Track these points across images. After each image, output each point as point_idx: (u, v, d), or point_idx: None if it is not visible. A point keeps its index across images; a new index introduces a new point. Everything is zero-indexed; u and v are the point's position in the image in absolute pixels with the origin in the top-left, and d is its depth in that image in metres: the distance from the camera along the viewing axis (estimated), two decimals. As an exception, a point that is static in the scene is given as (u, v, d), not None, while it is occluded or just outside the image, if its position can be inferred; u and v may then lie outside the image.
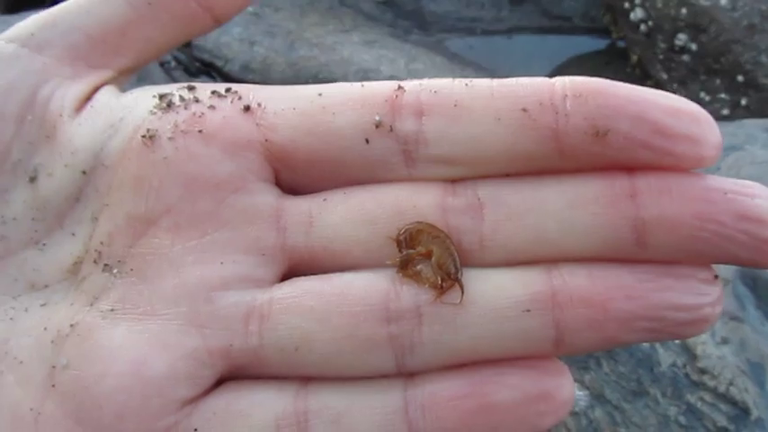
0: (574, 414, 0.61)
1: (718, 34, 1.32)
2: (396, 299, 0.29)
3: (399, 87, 0.31)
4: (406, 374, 0.29)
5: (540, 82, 0.29)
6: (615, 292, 0.28)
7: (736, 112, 1.28)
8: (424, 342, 0.29)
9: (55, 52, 0.32)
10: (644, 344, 0.64)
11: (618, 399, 0.61)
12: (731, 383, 0.61)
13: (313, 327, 0.29)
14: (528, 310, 0.28)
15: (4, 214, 0.31)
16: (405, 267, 0.30)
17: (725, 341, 0.64)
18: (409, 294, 0.29)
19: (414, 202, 0.30)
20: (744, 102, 1.29)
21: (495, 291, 0.29)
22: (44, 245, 0.31)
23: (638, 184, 0.28)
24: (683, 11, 1.33)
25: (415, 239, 0.30)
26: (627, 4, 1.41)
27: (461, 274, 0.29)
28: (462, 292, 0.29)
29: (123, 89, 0.34)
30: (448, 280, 0.29)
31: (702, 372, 0.62)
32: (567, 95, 0.29)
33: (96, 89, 0.33)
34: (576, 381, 0.64)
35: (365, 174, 0.31)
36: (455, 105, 0.30)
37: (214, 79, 1.30)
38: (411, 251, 0.30)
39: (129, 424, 0.29)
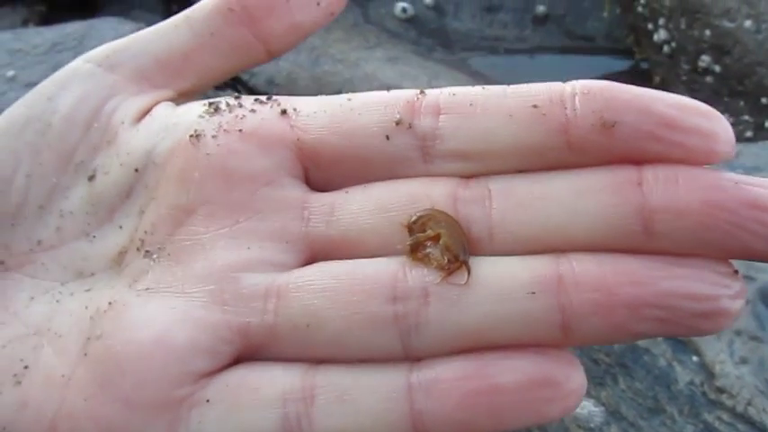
0: (589, 430, 0.61)
1: (741, 56, 1.32)
2: (403, 279, 0.30)
3: (421, 92, 0.33)
4: (414, 358, 0.30)
5: (552, 84, 0.31)
6: (622, 276, 0.28)
7: (760, 134, 1.27)
8: (429, 321, 0.30)
9: (124, 72, 0.36)
10: (661, 361, 0.64)
11: (634, 416, 0.61)
12: (749, 403, 0.60)
13: (324, 304, 0.30)
14: (533, 293, 0.29)
15: (63, 208, 0.35)
16: (414, 251, 0.31)
17: (744, 361, 0.63)
18: (417, 276, 0.30)
19: (427, 192, 0.32)
20: (767, 124, 1.28)
21: (501, 274, 0.30)
22: (94, 237, 0.34)
23: (645, 174, 0.29)
24: (707, 32, 1.33)
25: (425, 225, 0.31)
26: (650, 26, 1.41)
27: (468, 257, 0.30)
28: (469, 274, 0.30)
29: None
30: (455, 261, 0.30)
31: (720, 391, 0.61)
32: (576, 93, 0.30)
33: (156, 104, 0.36)
34: (591, 397, 0.63)
35: (386, 169, 0.33)
36: (470, 105, 0.32)
37: (239, 92, 1.32)
38: (420, 234, 0.31)
39: (148, 391, 0.30)
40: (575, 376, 0.29)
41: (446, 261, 0.30)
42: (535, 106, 0.30)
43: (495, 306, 0.29)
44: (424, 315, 0.30)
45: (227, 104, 0.35)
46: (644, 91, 0.29)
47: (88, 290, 0.33)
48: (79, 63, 0.37)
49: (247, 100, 0.35)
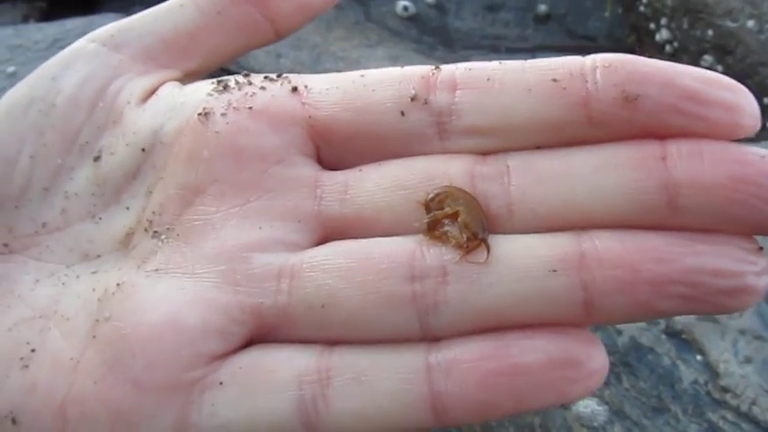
0: (592, 429, 0.61)
1: (744, 56, 1.31)
2: (421, 258, 0.30)
3: (436, 67, 0.32)
4: (432, 339, 0.30)
5: (571, 58, 0.30)
6: (646, 253, 0.28)
7: (762, 134, 1.27)
8: (448, 301, 0.29)
9: (130, 52, 0.36)
10: (665, 360, 0.64)
11: (638, 415, 0.61)
12: (754, 403, 0.60)
13: (339, 284, 0.30)
14: (554, 270, 0.28)
15: (68, 190, 0.34)
16: (432, 229, 0.30)
17: (748, 360, 0.63)
18: (435, 254, 0.30)
19: (444, 169, 0.31)
20: (769, 124, 1.28)
21: (521, 252, 0.29)
22: (100, 218, 0.34)
23: (668, 148, 0.28)
24: (709, 32, 1.33)
25: (443, 203, 0.30)
26: (652, 25, 1.41)
27: (487, 234, 0.29)
28: (488, 252, 0.29)
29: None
30: (474, 239, 0.29)
31: (725, 390, 0.61)
32: (597, 66, 0.30)
33: (162, 84, 0.36)
34: (594, 396, 0.63)
35: (400, 147, 0.32)
36: (488, 79, 0.31)
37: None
38: (438, 212, 0.30)
39: (159, 374, 0.30)
40: (596, 355, 0.28)
41: (465, 239, 0.29)
42: (555, 80, 0.30)
43: (516, 285, 0.28)
44: (442, 294, 0.29)
45: (237, 82, 0.34)
46: (666, 64, 0.29)
47: (95, 272, 0.33)
48: (83, 43, 0.36)
49: (257, 78, 0.35)
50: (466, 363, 0.28)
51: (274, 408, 0.29)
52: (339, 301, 0.30)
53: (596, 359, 0.28)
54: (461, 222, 0.29)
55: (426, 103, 0.31)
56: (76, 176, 0.34)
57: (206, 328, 0.30)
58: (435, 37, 1.55)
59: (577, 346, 0.28)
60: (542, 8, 1.56)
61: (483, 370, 0.28)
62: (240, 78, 0.35)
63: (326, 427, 0.29)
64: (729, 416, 0.60)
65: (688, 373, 0.62)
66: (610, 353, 0.65)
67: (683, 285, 0.27)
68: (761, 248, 0.28)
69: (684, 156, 0.28)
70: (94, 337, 0.31)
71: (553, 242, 0.29)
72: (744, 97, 0.28)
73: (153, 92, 0.35)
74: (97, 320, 0.31)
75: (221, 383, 0.30)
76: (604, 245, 0.28)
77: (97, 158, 0.34)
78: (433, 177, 0.31)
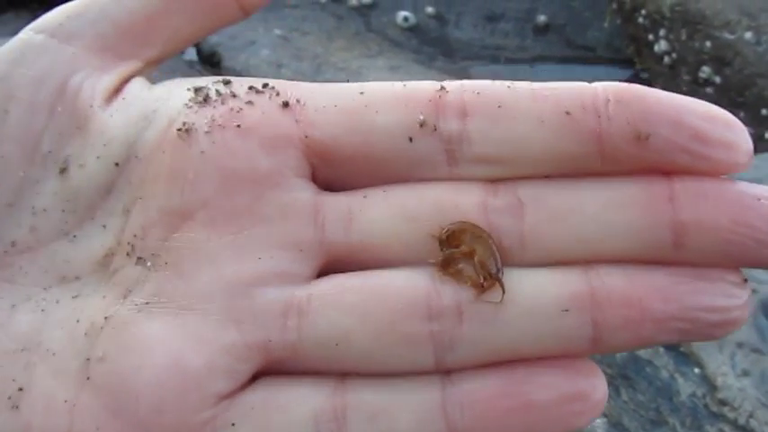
0: (591, 441, 0.61)
1: (742, 68, 1.32)
2: (437, 296, 0.29)
3: (442, 88, 0.31)
4: (444, 371, 0.30)
5: (582, 86, 0.30)
6: (653, 293, 0.29)
7: (761, 146, 1.27)
8: (464, 340, 0.29)
9: (84, 42, 0.32)
10: (663, 373, 0.64)
11: (636, 427, 0.61)
12: (751, 416, 0.61)
13: (353, 322, 0.29)
14: (567, 310, 0.29)
15: (35, 205, 0.31)
16: (447, 266, 0.30)
17: (745, 373, 0.63)
18: (450, 292, 0.29)
19: (455, 200, 0.30)
20: (767, 135, 1.29)
21: (534, 290, 0.29)
22: (75, 236, 0.31)
23: (675, 188, 0.29)
24: (708, 44, 1.34)
25: (457, 239, 0.30)
26: (651, 36, 1.42)
27: (503, 274, 0.29)
28: (503, 292, 0.29)
29: (152, 81, 0.34)
30: (489, 279, 0.29)
31: (722, 403, 0.62)
32: (609, 100, 0.29)
33: (126, 81, 0.33)
34: (594, 408, 0.63)
35: (407, 172, 0.31)
36: (499, 107, 0.30)
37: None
38: (455, 250, 0.30)
39: (167, 417, 0.29)
40: (599, 386, 0.29)
41: (481, 279, 0.29)
42: (567, 113, 0.29)
43: (530, 324, 0.29)
44: (458, 333, 0.29)
45: (218, 93, 0.32)
46: (674, 99, 0.29)
47: (75, 296, 0.31)
48: (30, 34, 0.32)
49: (240, 87, 0.32)
50: (483, 400, 0.29)
51: None
52: (354, 340, 0.29)
53: (600, 390, 0.29)
54: (477, 262, 0.29)
55: (436, 129, 0.30)
56: (43, 190, 0.31)
57: (212, 369, 0.29)
58: (435, 47, 1.55)
59: (584, 379, 0.29)
60: (542, 19, 1.57)
61: (500, 407, 0.29)
62: (221, 87, 0.32)
63: None
64: (727, 429, 0.60)
65: (686, 386, 0.63)
66: (608, 366, 0.66)
67: (681, 321, 0.28)
68: (745, 280, 0.29)
69: (690, 197, 0.28)
70: (89, 378, 0.29)
71: (564, 279, 0.29)
72: (742, 135, 0.28)
73: (117, 90, 0.32)
74: (88, 359, 0.29)
75: (233, 425, 0.29)
76: (612, 282, 0.29)
77: (64, 170, 0.31)
78: (444, 208, 0.30)
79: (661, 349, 0.66)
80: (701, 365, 0.64)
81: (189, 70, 1.34)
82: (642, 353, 0.66)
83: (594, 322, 0.29)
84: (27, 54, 0.32)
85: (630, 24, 1.48)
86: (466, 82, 0.31)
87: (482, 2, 1.61)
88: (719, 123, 0.29)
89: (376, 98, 0.31)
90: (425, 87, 0.31)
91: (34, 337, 0.30)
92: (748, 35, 1.29)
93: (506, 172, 0.31)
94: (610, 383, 0.64)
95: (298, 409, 0.29)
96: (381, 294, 0.29)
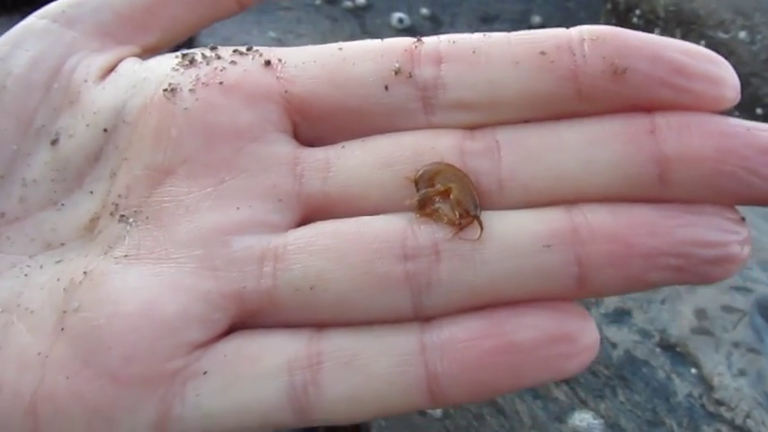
0: (588, 442, 0.61)
1: (736, 67, 1.32)
2: (413, 237, 0.29)
3: (418, 39, 0.31)
4: (423, 318, 0.29)
5: (557, 30, 0.30)
6: (639, 227, 0.28)
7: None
8: (441, 279, 0.28)
9: (84, 28, 0.33)
10: (660, 373, 0.64)
11: (633, 428, 0.61)
12: (748, 416, 0.61)
13: (328, 265, 0.29)
14: (548, 246, 0.28)
15: (26, 177, 0.32)
16: (423, 207, 0.29)
17: (742, 373, 0.63)
18: (427, 232, 0.29)
19: (432, 145, 0.30)
20: (762, 134, 1.29)
21: (514, 228, 0.28)
22: (62, 205, 0.32)
23: (657, 121, 0.28)
24: (702, 43, 1.34)
25: (433, 179, 0.30)
26: (645, 36, 1.42)
27: (480, 211, 0.29)
28: (481, 229, 0.28)
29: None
30: (466, 216, 0.29)
31: (719, 403, 0.62)
32: (584, 39, 0.29)
33: (121, 60, 0.34)
34: (590, 409, 0.63)
35: (384, 122, 0.31)
36: (473, 52, 0.30)
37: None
38: (429, 189, 0.29)
39: (137, 366, 0.28)
40: (588, 330, 0.28)
41: (457, 216, 0.29)
42: (542, 53, 0.29)
43: (510, 261, 0.28)
44: (435, 273, 0.28)
45: (204, 56, 0.33)
46: (652, 37, 0.29)
47: (59, 261, 0.31)
48: (33, 20, 0.34)
49: (225, 51, 0.33)
50: (462, 342, 0.28)
51: (263, 395, 0.28)
52: (329, 282, 0.29)
53: (588, 334, 0.28)
54: (453, 199, 0.29)
55: (411, 76, 0.30)
56: (34, 162, 0.32)
57: (186, 317, 0.29)
58: (430, 48, 1.56)
59: (571, 321, 0.28)
60: (536, 20, 1.57)
61: (479, 349, 0.28)
62: (207, 52, 0.33)
63: (319, 413, 0.28)
64: (724, 429, 0.60)
65: (683, 387, 0.63)
66: (605, 366, 0.66)
67: (673, 257, 0.27)
68: (743, 219, 0.28)
69: (673, 129, 0.28)
70: (63, 329, 0.29)
71: (546, 217, 0.28)
72: (726, 70, 0.28)
73: (111, 69, 0.33)
74: (65, 312, 0.29)
75: (205, 373, 0.29)
76: (597, 219, 0.28)
77: (55, 142, 0.32)
78: (422, 153, 0.30)
79: (657, 349, 0.66)
80: (697, 366, 0.64)
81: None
82: (638, 353, 0.66)
83: (579, 259, 0.28)
84: (28, 36, 0.33)
85: (625, 24, 1.48)
86: (443, 35, 0.31)
87: (477, 3, 1.61)
88: (701, 58, 0.28)
89: (353, 52, 0.32)
90: (402, 40, 0.32)
91: (14, 299, 0.30)
92: (742, 34, 1.30)
93: (484, 118, 0.30)
94: (606, 384, 0.64)
95: (272, 358, 0.29)
96: (357, 237, 0.29)
